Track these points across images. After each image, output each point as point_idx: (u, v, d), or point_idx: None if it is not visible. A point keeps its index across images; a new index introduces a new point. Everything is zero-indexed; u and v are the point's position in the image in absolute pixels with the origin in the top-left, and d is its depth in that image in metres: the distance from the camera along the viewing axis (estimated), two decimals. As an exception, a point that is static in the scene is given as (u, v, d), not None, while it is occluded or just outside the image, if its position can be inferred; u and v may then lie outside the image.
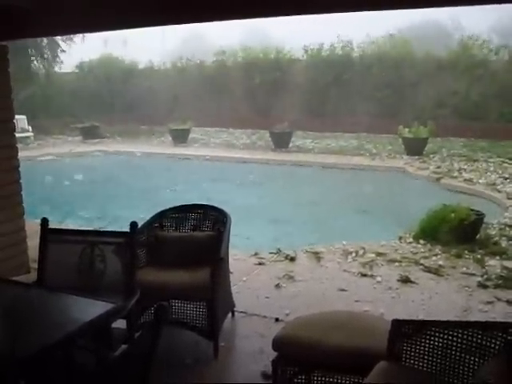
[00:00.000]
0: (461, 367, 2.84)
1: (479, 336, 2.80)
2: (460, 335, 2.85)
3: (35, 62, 23.71)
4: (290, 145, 18.08)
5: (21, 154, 6.35)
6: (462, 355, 2.85)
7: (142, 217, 5.20)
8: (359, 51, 20.98)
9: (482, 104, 18.07)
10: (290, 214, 10.60)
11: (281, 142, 17.92)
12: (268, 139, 18.61)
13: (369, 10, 4.56)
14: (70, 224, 8.84)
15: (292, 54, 22.10)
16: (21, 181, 6.24)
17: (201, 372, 4.27)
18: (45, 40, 22.47)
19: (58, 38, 22.95)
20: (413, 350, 3.00)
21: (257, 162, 16.07)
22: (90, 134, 21.03)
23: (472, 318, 4.89)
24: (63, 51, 23.63)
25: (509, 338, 2.74)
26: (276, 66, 21.68)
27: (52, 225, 4.04)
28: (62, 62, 23.98)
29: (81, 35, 21.00)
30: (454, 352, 2.88)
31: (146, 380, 2.52)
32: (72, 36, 21.95)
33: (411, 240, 7.58)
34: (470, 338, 2.82)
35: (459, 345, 2.86)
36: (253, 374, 4.19)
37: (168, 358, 3.85)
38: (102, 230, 6.99)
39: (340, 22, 15.18)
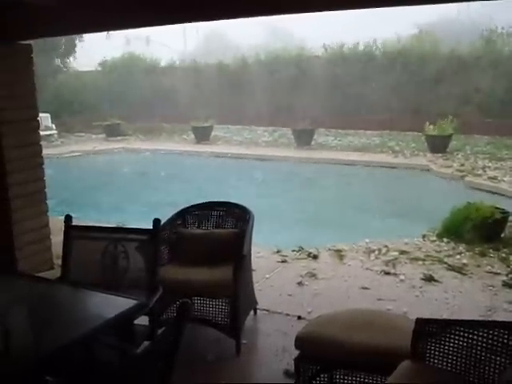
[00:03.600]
0: (486, 368, 2.80)
1: (505, 336, 2.76)
2: (485, 335, 2.81)
3: (58, 61, 23.98)
4: (313, 142, 18.04)
5: (44, 152, 6.40)
6: (488, 356, 2.81)
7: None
8: (383, 47, 20.84)
9: (507, 101, 17.82)
10: (313, 211, 10.58)
11: (303, 139, 17.88)
12: (290, 137, 18.58)
13: (393, 5, 4.52)
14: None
15: (314, 51, 22.02)
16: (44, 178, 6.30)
17: (223, 369, 4.27)
18: (66, 38, 22.69)
19: (80, 37, 23.25)
20: (437, 349, 2.97)
21: (281, 159, 16.05)
22: (112, 131, 21.17)
23: (497, 318, 4.83)
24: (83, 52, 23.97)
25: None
26: (298, 63, 21.62)
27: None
28: (83, 61, 24.27)
29: (104, 33, 21.10)
30: (479, 352, 2.84)
31: (169, 377, 2.52)
32: (95, 34, 22.15)
33: (435, 238, 7.51)
34: (495, 338, 2.78)
35: (484, 345, 2.82)
36: (275, 372, 4.19)
37: (190, 355, 3.86)
38: (125, 226, 7.01)
39: (364, 18, 15.12)
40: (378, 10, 4.68)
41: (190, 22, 5.24)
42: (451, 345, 2.92)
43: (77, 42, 23.98)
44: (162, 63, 25.40)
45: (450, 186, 12.24)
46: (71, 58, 24.54)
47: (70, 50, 24.15)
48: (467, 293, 5.66)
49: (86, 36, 23.27)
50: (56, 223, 6.12)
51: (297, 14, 4.98)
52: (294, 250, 7.01)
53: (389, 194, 11.69)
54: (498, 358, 2.78)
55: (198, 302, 4.60)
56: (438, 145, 15.74)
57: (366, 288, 5.82)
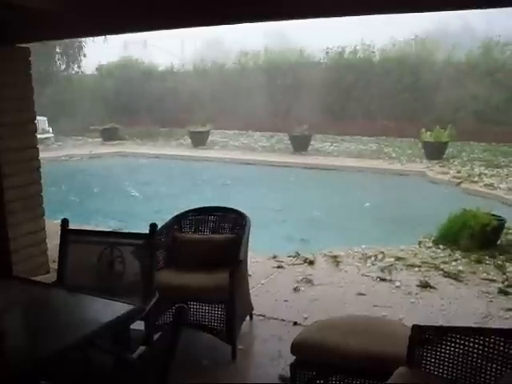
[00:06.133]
0: (482, 375, 2.80)
1: (501, 343, 2.76)
2: (482, 342, 2.81)
3: (56, 65, 23.99)
4: (309, 148, 18.06)
5: (41, 155, 6.39)
6: (484, 363, 2.80)
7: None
8: (380, 54, 20.90)
9: (503, 108, 17.85)
10: (309, 217, 10.57)
11: (300, 145, 17.90)
12: (287, 142, 18.60)
13: (389, 13, 4.54)
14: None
15: (313, 56, 22.08)
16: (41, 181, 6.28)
17: (218, 375, 4.26)
18: (66, 42, 22.73)
19: (80, 41, 23.31)
20: (433, 356, 2.96)
21: (278, 165, 16.06)
22: (109, 135, 21.16)
23: (493, 325, 4.83)
24: (84, 55, 24.03)
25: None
26: (296, 68, 21.65)
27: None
28: (81, 65, 24.37)
29: (102, 37, 21.13)
30: (475, 359, 2.83)
31: (165, 382, 2.52)
32: (93, 38, 22.22)
33: (431, 245, 7.52)
34: (491, 345, 2.78)
35: (480, 352, 2.82)
36: (271, 377, 4.18)
37: (186, 360, 3.85)
38: (121, 231, 6.98)
39: (362, 25, 15.15)
40: (375, 16, 4.70)
41: (189, 27, 5.25)
42: (447, 352, 2.92)
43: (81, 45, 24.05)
44: (160, 68, 25.42)
45: (447, 193, 12.26)
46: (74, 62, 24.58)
47: (74, 54, 24.21)
48: (463, 300, 5.66)
49: (84, 40, 23.33)
50: (52, 227, 6.11)
51: (296, 20, 5.00)
52: (290, 256, 7.01)
53: (385, 201, 11.69)
54: (494, 365, 2.78)
55: (194, 307, 4.59)
56: (435, 151, 15.77)
57: (362, 294, 5.82)
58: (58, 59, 24.06)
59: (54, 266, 4.34)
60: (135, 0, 4.62)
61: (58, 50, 23.58)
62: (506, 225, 7.62)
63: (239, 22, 4.97)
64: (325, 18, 4.74)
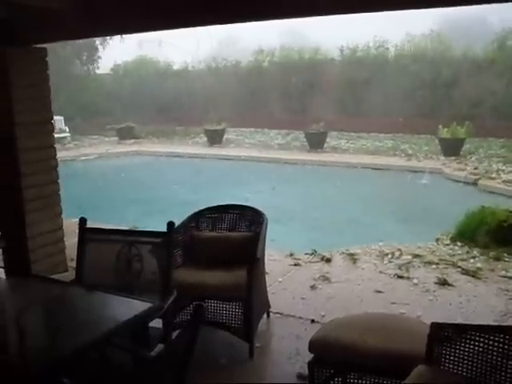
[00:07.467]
0: (502, 373, 2.77)
1: (522, 341, 2.73)
2: (502, 340, 2.78)
3: (73, 64, 24.15)
4: (325, 145, 18.02)
5: (59, 155, 6.42)
6: (504, 361, 2.77)
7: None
8: (396, 50, 20.80)
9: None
10: (326, 215, 10.55)
11: (316, 142, 17.87)
12: (303, 140, 18.57)
13: (406, 8, 4.49)
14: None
15: (328, 54, 22.02)
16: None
17: (236, 373, 4.26)
18: (81, 42, 22.88)
19: (95, 40, 23.45)
20: (452, 354, 2.94)
21: (294, 162, 16.06)
22: (125, 134, 21.26)
23: (512, 323, 4.80)
24: (99, 57, 24.22)
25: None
26: (311, 66, 21.60)
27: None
28: (98, 65, 24.53)
29: (118, 37, 21.24)
30: (494, 357, 2.80)
31: (183, 380, 2.52)
32: (109, 38, 22.34)
33: (448, 242, 7.46)
34: (511, 343, 2.76)
35: (500, 350, 2.79)
36: (288, 375, 4.17)
37: (203, 358, 3.84)
38: (139, 229, 7.00)
39: (378, 21, 15.08)
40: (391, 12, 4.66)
41: (202, 25, 5.24)
42: (466, 350, 2.89)
43: (97, 44, 24.21)
44: (175, 66, 25.50)
45: (464, 190, 12.19)
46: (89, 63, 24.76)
47: (89, 54, 24.40)
48: (481, 297, 5.62)
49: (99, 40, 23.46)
50: (69, 226, 6.15)
51: (307, 17, 4.96)
52: (307, 254, 6.99)
53: (402, 198, 11.65)
54: (515, 364, 2.75)
55: (212, 304, 4.60)
56: (452, 148, 15.68)
57: (380, 291, 5.80)
58: (76, 59, 24.20)
59: (72, 264, 4.37)
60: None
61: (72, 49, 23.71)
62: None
63: (240, 21, 4.95)
64: (328, 16, 4.70)
